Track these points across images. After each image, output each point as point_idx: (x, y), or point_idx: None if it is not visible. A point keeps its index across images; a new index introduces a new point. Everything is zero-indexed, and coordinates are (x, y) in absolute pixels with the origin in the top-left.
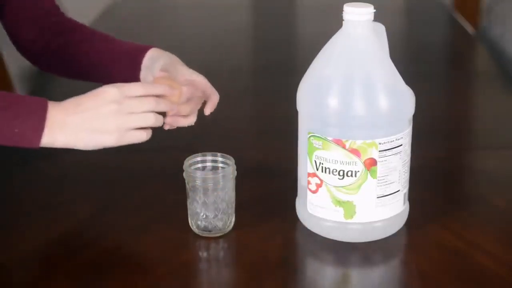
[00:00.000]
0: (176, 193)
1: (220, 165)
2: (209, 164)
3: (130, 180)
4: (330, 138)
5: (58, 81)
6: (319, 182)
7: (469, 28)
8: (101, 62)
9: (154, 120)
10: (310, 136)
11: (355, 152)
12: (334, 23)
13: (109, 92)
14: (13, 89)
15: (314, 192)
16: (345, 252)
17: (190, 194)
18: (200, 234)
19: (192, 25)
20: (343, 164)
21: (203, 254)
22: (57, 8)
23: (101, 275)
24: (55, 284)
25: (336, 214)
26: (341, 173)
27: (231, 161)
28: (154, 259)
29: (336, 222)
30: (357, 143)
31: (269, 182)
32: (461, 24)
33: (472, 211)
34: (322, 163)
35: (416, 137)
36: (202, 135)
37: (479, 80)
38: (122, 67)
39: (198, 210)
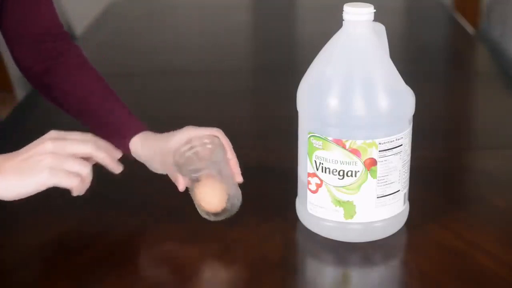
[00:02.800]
0: (177, 193)
1: (208, 146)
2: (198, 148)
3: (130, 180)
4: (330, 138)
5: None
6: (319, 182)
7: (469, 28)
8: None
9: (87, 169)
10: (310, 136)
11: (355, 152)
12: (334, 23)
13: (48, 134)
14: (13, 89)
15: (314, 192)
16: (345, 252)
17: (190, 181)
18: (212, 220)
19: (192, 25)
20: (343, 164)
21: (203, 253)
22: (58, 27)
23: (101, 275)
24: (55, 284)
25: (336, 214)
26: (341, 173)
27: (217, 141)
28: (154, 259)
29: (336, 222)
30: (357, 143)
31: (269, 182)
32: (461, 24)
33: (472, 211)
34: (322, 163)
35: (416, 137)
36: None
37: (479, 80)
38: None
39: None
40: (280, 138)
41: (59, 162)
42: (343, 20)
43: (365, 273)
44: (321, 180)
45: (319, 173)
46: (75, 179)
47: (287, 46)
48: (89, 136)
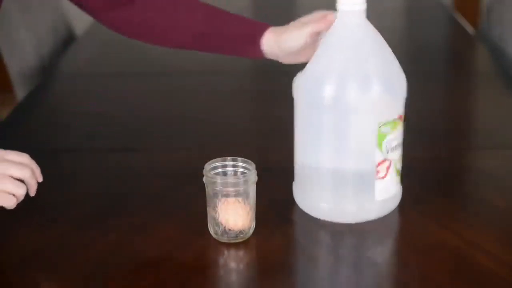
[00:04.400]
0: (177, 193)
1: (241, 169)
2: (230, 169)
3: (130, 180)
4: (396, 117)
5: (58, 81)
6: (388, 164)
7: (469, 28)
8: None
9: (23, 191)
10: (380, 127)
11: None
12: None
13: None
14: (13, 89)
15: (383, 178)
16: (345, 252)
17: (210, 199)
18: (219, 240)
19: None
20: (399, 136)
21: (203, 254)
22: None
23: (102, 275)
24: (55, 284)
25: (398, 187)
26: (399, 143)
27: (252, 166)
28: (154, 259)
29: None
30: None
31: (269, 182)
32: (461, 24)
33: (472, 211)
34: (391, 144)
35: (416, 137)
36: (202, 135)
37: (479, 80)
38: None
39: (217, 215)
40: (280, 138)
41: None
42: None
43: (364, 273)
44: (390, 161)
45: (389, 155)
46: (11, 199)
47: None
48: (26, 159)
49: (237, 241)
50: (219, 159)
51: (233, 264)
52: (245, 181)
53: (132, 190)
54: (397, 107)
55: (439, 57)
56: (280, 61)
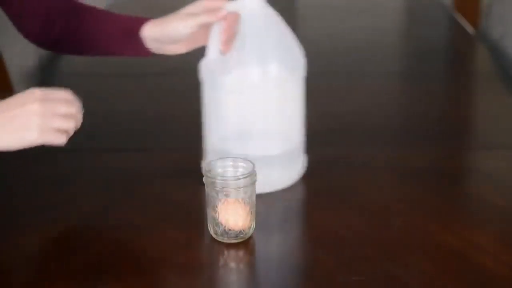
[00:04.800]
0: (177, 193)
1: (240, 169)
2: (230, 169)
3: (130, 180)
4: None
5: (58, 81)
6: None
7: (469, 28)
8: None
9: (72, 125)
10: None
11: None
12: (335, 22)
13: (33, 94)
14: (13, 89)
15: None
16: (343, 252)
17: (209, 199)
18: (219, 240)
19: None
20: None
21: (203, 254)
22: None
23: (102, 275)
24: (56, 284)
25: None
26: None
27: (252, 166)
28: (154, 259)
29: None
30: None
31: None
32: (461, 24)
33: (472, 211)
34: None
35: (416, 137)
36: (202, 135)
37: (479, 80)
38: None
39: (217, 215)
40: None
41: (48, 122)
42: None
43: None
44: None
45: None
46: (62, 137)
47: None
48: (70, 95)
49: (237, 241)
50: (219, 159)
51: (233, 264)
52: (245, 181)
53: (132, 190)
54: (297, 86)
55: (439, 57)
56: (164, 52)
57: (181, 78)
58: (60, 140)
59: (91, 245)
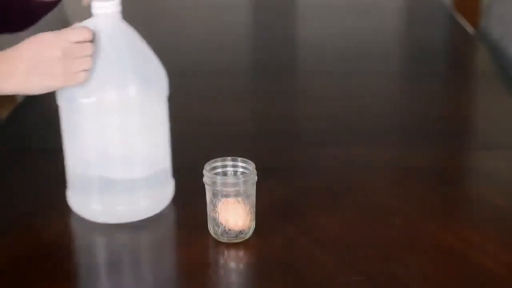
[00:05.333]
0: (177, 193)
1: (240, 169)
2: (230, 169)
3: None
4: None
5: None
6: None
7: (469, 28)
8: None
9: (91, 63)
10: None
11: None
12: (335, 22)
13: (52, 39)
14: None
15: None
16: (342, 252)
17: (210, 199)
18: (219, 240)
19: (192, 25)
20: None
21: (203, 254)
22: None
23: (102, 275)
24: (55, 284)
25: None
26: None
27: (252, 166)
28: (155, 259)
29: None
30: None
31: (269, 182)
32: (461, 24)
33: (472, 211)
34: None
35: (416, 137)
36: (202, 135)
37: (479, 80)
38: None
39: (217, 215)
40: (280, 138)
41: (70, 67)
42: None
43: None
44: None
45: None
46: (84, 75)
47: (287, 45)
48: (85, 33)
49: (237, 241)
50: (219, 159)
51: (233, 264)
52: (245, 181)
53: None
54: (159, 107)
55: (439, 57)
56: None
57: (181, 78)
58: (82, 80)
59: (91, 245)
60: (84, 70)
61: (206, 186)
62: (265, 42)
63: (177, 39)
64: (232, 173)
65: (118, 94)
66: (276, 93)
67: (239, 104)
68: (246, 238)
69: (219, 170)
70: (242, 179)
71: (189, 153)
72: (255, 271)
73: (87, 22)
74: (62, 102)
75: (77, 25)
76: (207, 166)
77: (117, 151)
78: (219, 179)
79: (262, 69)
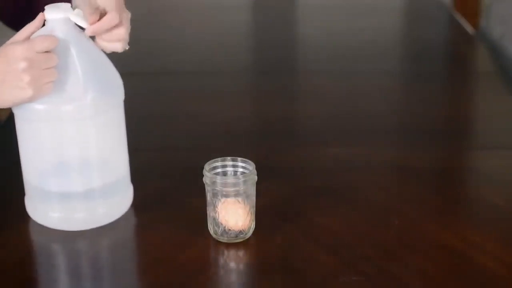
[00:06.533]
0: (177, 193)
1: (240, 169)
2: (230, 169)
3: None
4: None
5: None
6: None
7: (469, 28)
8: None
9: (56, 74)
10: None
11: None
12: (335, 22)
13: (17, 50)
14: None
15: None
16: (343, 252)
17: (210, 199)
18: (219, 240)
19: (192, 25)
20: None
21: (203, 254)
22: None
23: (102, 275)
24: (55, 284)
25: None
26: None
27: (251, 166)
28: (154, 259)
29: None
30: None
31: (269, 182)
32: (461, 24)
33: (472, 211)
34: None
35: (416, 137)
36: (202, 135)
37: (479, 80)
38: None
39: (217, 215)
40: (280, 138)
41: (38, 79)
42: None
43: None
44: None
45: None
46: (50, 88)
47: (287, 46)
48: (49, 42)
49: (237, 241)
50: (219, 159)
51: (233, 264)
52: (245, 181)
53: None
54: (116, 113)
55: (439, 57)
56: None
57: (181, 78)
58: (48, 92)
59: (91, 245)
60: (50, 81)
61: (206, 186)
62: (265, 42)
63: (177, 38)
64: (232, 173)
65: (72, 101)
66: (276, 93)
67: (239, 104)
68: (246, 238)
69: (219, 170)
70: (242, 179)
71: (189, 153)
72: (255, 271)
73: (42, 30)
74: (16, 110)
75: (37, 33)
76: (207, 166)
77: (73, 159)
78: (219, 179)
79: (262, 69)
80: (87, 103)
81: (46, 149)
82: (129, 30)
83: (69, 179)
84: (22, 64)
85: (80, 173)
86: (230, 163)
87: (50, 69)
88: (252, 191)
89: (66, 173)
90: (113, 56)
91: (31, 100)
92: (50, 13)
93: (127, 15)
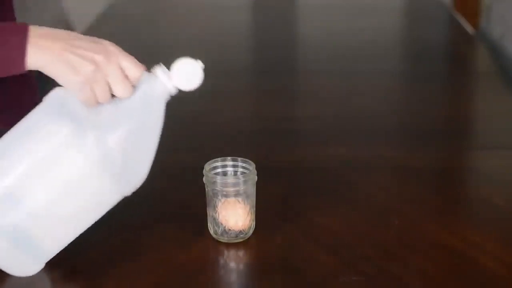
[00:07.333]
0: (177, 193)
1: (241, 169)
2: (229, 168)
3: None
4: None
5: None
6: None
7: (469, 28)
8: None
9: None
10: None
11: None
12: (334, 22)
13: (109, 44)
14: None
15: None
16: (343, 252)
17: (210, 199)
18: (219, 240)
19: (192, 25)
20: None
21: (203, 254)
22: None
23: (102, 275)
24: (55, 284)
25: None
26: None
27: (252, 166)
28: (154, 259)
29: None
30: None
31: (268, 182)
32: (461, 24)
33: (472, 211)
34: None
35: (416, 137)
36: (202, 135)
37: (479, 80)
38: None
39: (217, 215)
40: (281, 138)
41: (94, 80)
42: None
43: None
44: None
45: None
46: (91, 99)
47: (287, 46)
48: (140, 64)
49: (237, 241)
50: (219, 159)
51: (233, 264)
52: (245, 181)
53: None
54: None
55: (439, 57)
56: None
57: None
58: (81, 96)
59: (91, 245)
60: (93, 96)
61: (206, 186)
62: (265, 42)
63: (177, 39)
64: (232, 173)
65: (87, 136)
66: (276, 93)
67: (239, 104)
68: (246, 238)
69: (219, 170)
70: (242, 179)
71: (188, 153)
72: (255, 271)
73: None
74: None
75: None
76: (207, 166)
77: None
78: (219, 179)
79: (262, 69)
80: (96, 154)
81: None
82: None
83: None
84: (99, 57)
85: None
86: (230, 163)
87: (108, 89)
88: (252, 191)
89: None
90: None
91: (76, 88)
92: (161, 70)
93: None
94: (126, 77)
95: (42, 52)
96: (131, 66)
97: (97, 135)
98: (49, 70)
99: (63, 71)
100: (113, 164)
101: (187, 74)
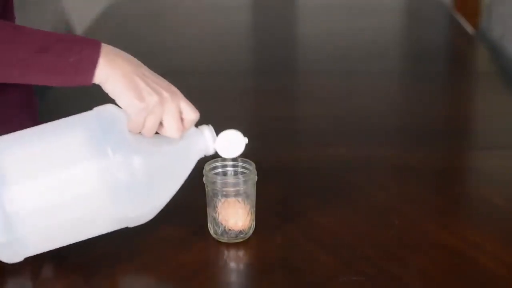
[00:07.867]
0: (177, 193)
1: (240, 169)
2: (229, 169)
3: None
4: None
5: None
6: None
7: (469, 28)
8: None
9: (152, 133)
10: None
11: None
12: (334, 22)
13: (172, 86)
14: None
15: None
16: (343, 252)
17: (210, 199)
18: (219, 240)
19: (192, 25)
20: None
21: (203, 254)
22: None
23: (102, 275)
24: (55, 284)
25: None
26: None
27: (252, 166)
28: (154, 259)
29: None
30: None
31: (268, 182)
32: (461, 24)
33: (472, 211)
34: None
35: (416, 137)
36: None
37: (479, 80)
38: None
39: (218, 215)
40: (281, 138)
41: (153, 110)
42: None
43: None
44: None
45: None
46: (139, 130)
47: (287, 46)
48: (196, 111)
49: (237, 241)
50: (219, 159)
51: (233, 264)
52: (245, 181)
53: None
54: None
55: (439, 57)
56: None
57: (181, 78)
58: (130, 125)
59: (91, 245)
60: (143, 127)
61: (206, 186)
62: (265, 42)
63: (177, 38)
64: (232, 173)
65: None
66: (276, 93)
67: (239, 104)
68: (246, 238)
69: (219, 170)
70: (242, 179)
71: None
72: (255, 271)
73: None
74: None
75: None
76: (207, 166)
77: None
78: (219, 179)
79: (262, 69)
80: (116, 174)
81: None
82: None
83: None
84: (166, 93)
85: None
86: (230, 163)
87: (158, 125)
88: (252, 191)
89: None
90: None
91: (120, 99)
92: (209, 130)
93: None
94: (182, 119)
95: (112, 68)
96: (189, 109)
97: (137, 158)
98: (113, 88)
99: (129, 93)
100: (129, 190)
101: (230, 144)
